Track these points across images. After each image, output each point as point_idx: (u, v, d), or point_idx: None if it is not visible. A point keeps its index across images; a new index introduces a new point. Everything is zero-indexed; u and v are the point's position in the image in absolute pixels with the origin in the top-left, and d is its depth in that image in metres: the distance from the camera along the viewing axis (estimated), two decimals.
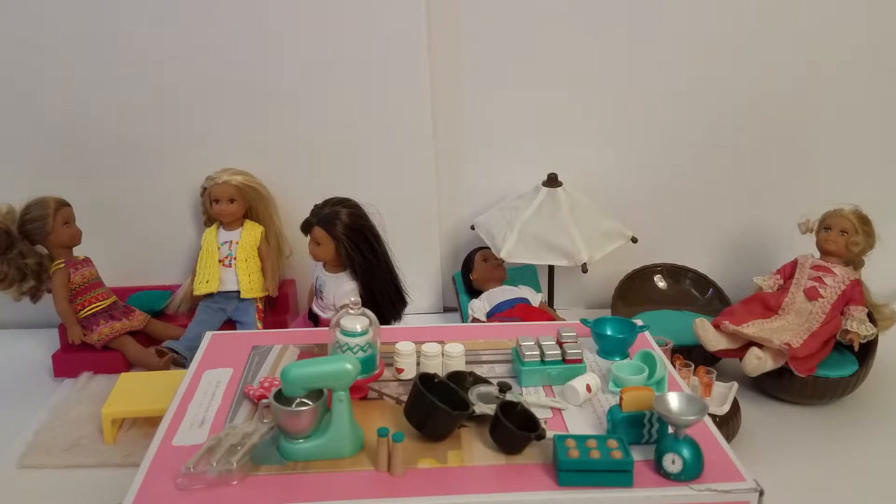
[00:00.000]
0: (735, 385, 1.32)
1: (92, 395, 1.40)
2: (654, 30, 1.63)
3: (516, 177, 1.69)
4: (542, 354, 1.04)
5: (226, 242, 1.63)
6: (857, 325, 1.40)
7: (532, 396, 1.00)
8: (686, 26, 1.63)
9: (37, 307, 1.61)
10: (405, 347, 1.05)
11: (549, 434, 0.89)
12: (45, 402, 1.41)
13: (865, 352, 1.42)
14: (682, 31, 1.63)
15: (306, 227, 1.40)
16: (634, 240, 1.67)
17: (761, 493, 0.83)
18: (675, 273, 1.78)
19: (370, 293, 1.39)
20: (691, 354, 1.39)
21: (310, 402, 0.87)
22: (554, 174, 1.62)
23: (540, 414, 0.93)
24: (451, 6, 1.59)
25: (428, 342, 1.07)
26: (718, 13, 1.62)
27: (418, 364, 1.05)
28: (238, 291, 1.61)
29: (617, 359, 1.10)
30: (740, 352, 1.39)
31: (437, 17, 1.59)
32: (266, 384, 1.02)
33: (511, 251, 1.57)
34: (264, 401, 0.97)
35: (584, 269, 1.54)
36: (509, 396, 0.95)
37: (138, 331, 1.57)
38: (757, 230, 1.80)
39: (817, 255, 1.51)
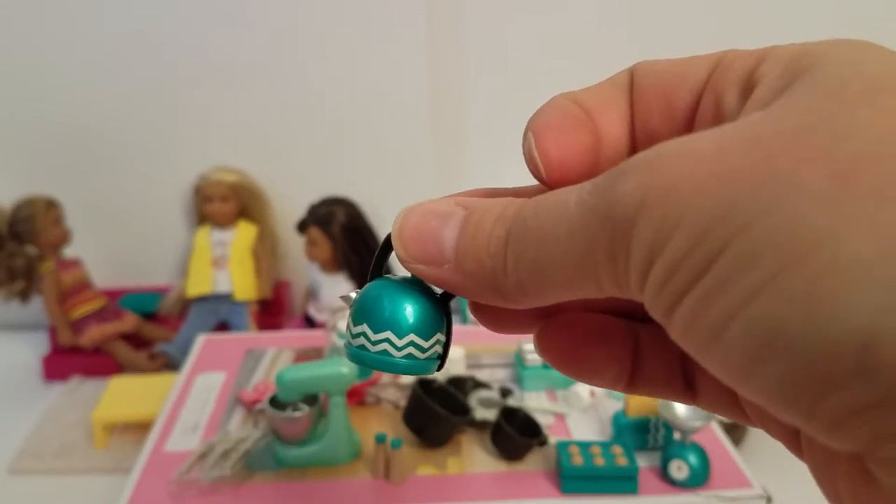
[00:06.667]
0: None
1: (82, 399, 1.38)
2: (656, 28, 1.61)
3: (517, 176, 1.68)
4: None
5: (219, 243, 1.60)
6: None
7: (534, 401, 0.98)
8: (689, 25, 1.61)
9: (26, 309, 1.59)
10: None
11: (552, 440, 0.87)
12: (35, 405, 1.39)
13: None
14: (686, 30, 1.62)
15: (302, 227, 1.38)
16: None
17: (769, 500, 0.81)
18: None
19: None
20: None
21: (305, 408, 0.85)
22: None
23: (542, 419, 0.91)
24: (451, 2, 1.58)
25: None
26: (722, 12, 1.61)
27: None
28: (231, 293, 1.58)
29: None
30: None
31: (437, 14, 1.57)
32: (260, 388, 1.00)
33: None
34: (258, 406, 0.94)
35: None
36: (511, 401, 0.93)
37: (130, 333, 1.55)
38: None
39: None
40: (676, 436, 0.83)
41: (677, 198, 0.15)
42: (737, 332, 0.14)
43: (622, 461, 0.81)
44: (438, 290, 0.22)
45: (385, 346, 0.21)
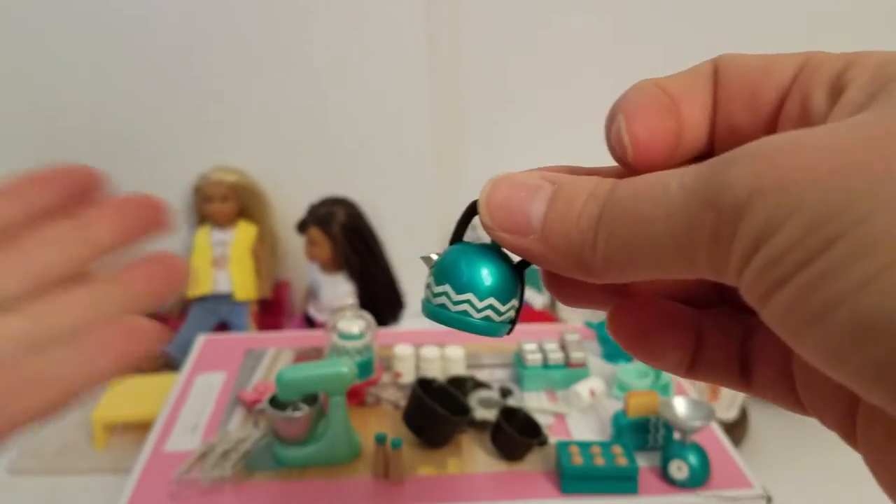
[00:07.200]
0: None
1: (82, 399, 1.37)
2: (661, 25, 1.61)
3: None
4: (545, 358, 1.02)
5: (219, 243, 1.60)
6: None
7: (534, 401, 0.98)
8: (696, 22, 1.61)
9: None
10: (404, 351, 1.03)
11: (552, 440, 0.86)
12: None
13: None
14: (691, 27, 1.61)
15: (302, 227, 1.38)
16: None
17: (769, 500, 0.81)
18: None
19: (367, 295, 1.37)
20: None
21: (305, 408, 0.85)
22: None
23: (542, 419, 0.91)
24: (451, 3, 1.58)
25: (427, 345, 1.04)
26: (727, 12, 1.60)
27: (417, 368, 1.03)
28: (231, 293, 1.58)
29: (622, 362, 1.08)
30: None
31: (437, 15, 1.57)
32: (260, 388, 1.00)
33: None
34: (258, 406, 0.94)
35: None
36: (511, 401, 0.93)
37: None
38: None
39: None
40: (676, 436, 0.83)
41: (793, 187, 0.15)
42: (842, 316, 0.15)
43: (622, 461, 0.81)
44: (515, 258, 0.23)
45: (465, 306, 0.22)
